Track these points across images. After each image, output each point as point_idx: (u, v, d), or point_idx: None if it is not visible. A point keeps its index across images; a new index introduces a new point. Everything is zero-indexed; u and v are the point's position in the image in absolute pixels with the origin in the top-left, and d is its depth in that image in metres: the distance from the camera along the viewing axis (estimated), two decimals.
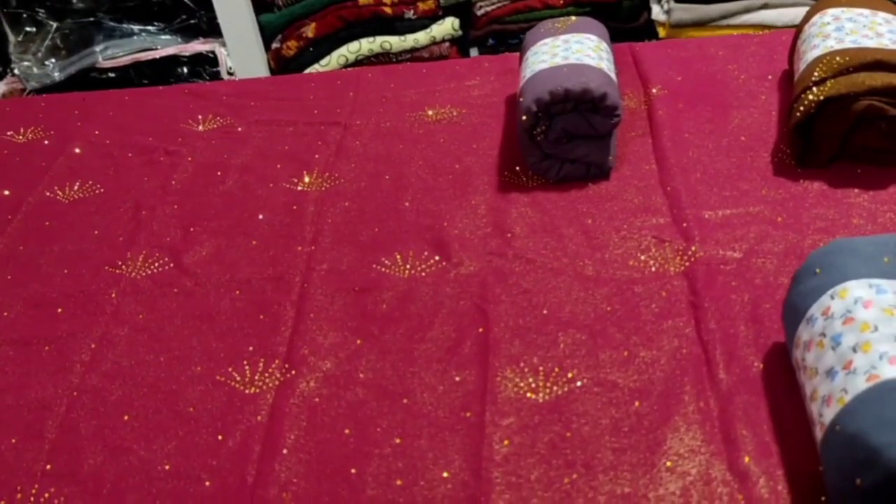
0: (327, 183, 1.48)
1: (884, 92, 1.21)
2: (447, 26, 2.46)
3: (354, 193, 1.44)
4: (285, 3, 2.54)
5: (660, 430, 0.96)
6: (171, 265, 1.33)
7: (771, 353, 1.02)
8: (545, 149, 1.35)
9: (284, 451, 1.00)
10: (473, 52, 2.58)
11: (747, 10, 2.37)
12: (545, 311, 1.14)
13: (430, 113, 1.64)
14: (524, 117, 1.31)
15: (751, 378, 1.00)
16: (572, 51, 1.41)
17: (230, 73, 2.57)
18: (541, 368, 1.06)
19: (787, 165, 1.33)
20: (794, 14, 2.27)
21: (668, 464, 0.92)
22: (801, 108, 1.27)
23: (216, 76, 2.57)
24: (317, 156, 1.56)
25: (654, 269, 1.18)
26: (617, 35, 2.51)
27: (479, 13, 2.51)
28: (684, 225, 1.24)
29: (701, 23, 2.57)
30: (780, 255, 1.17)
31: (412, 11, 2.50)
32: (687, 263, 1.18)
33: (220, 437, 1.03)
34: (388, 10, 2.43)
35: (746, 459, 0.91)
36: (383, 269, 1.26)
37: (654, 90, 1.59)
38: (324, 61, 2.48)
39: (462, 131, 1.57)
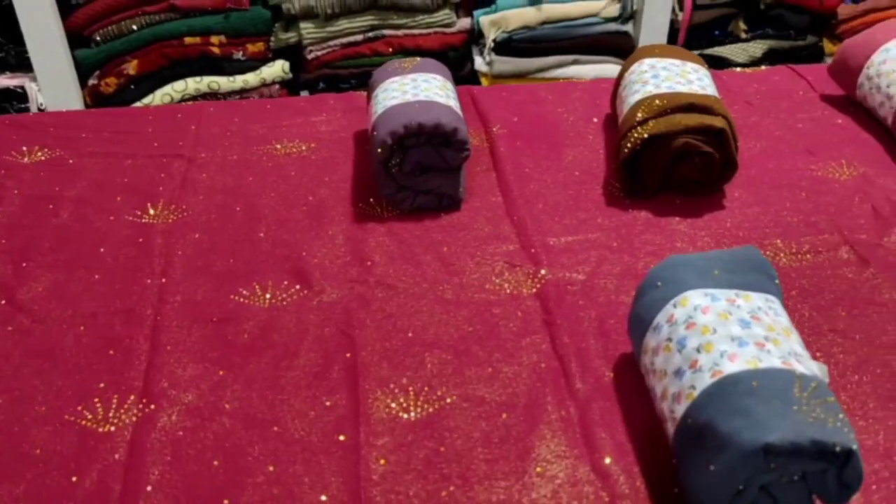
0: (174, 215, 1.43)
1: (698, 130, 1.38)
2: (277, 69, 2.46)
3: (205, 225, 1.41)
4: (104, 38, 2.43)
5: (527, 438, 1.01)
6: (3, 302, 1.23)
7: (619, 363, 1.11)
8: (399, 180, 1.40)
9: (149, 489, 0.95)
10: (304, 95, 2.60)
11: (560, 65, 2.58)
12: (410, 334, 1.17)
13: (278, 147, 1.64)
14: (379, 150, 1.36)
15: (604, 386, 1.08)
16: (421, 88, 1.47)
17: (41, 109, 2.41)
18: (410, 388, 1.08)
19: (618, 197, 1.47)
20: (601, 69, 2.50)
21: (538, 469, 0.97)
22: (628, 146, 1.41)
23: (24, 112, 2.40)
24: (161, 188, 1.50)
25: (508, 291, 1.25)
26: None
27: (309, 57, 2.54)
28: (532, 251, 1.33)
29: (520, 74, 2.74)
30: (619, 275, 1.28)
31: (241, 52, 2.47)
32: (538, 285, 1.26)
33: (74, 479, 0.96)
34: (215, 49, 2.40)
35: (607, 460, 0.98)
36: (242, 300, 1.24)
37: (494, 129, 1.69)
38: (146, 99, 2.39)
39: (313, 165, 1.59)
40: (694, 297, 0.96)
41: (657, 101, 1.42)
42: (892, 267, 1.27)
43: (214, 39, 2.44)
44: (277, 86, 2.53)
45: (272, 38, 2.42)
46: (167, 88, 2.36)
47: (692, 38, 2.92)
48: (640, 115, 1.42)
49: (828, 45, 2.63)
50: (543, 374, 1.10)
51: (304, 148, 1.63)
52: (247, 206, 1.45)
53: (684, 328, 0.93)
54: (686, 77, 1.50)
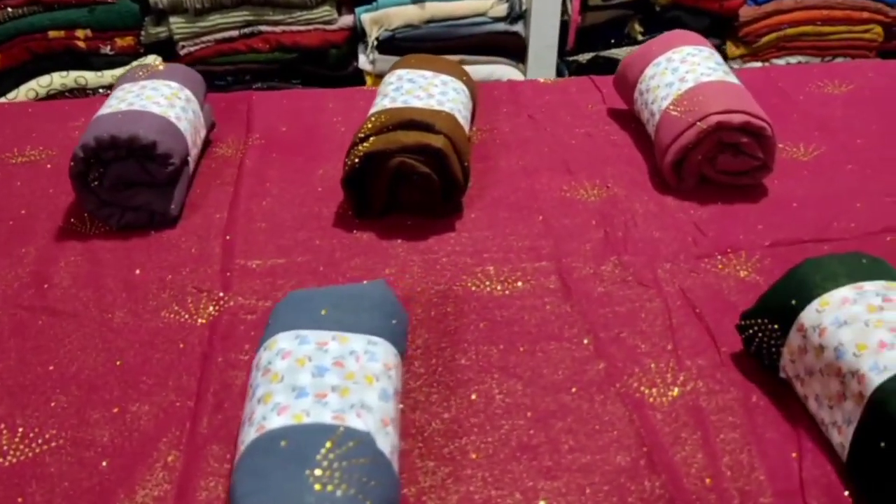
0: None
1: (415, 149, 1.31)
2: (148, 64, 2.38)
3: None
4: None
5: (122, 486, 0.94)
6: None
7: None
8: (101, 196, 1.32)
9: None
10: None
11: None
12: (51, 368, 1.09)
13: (16, 154, 1.55)
14: (72, 163, 1.28)
15: (230, 428, 1.00)
16: (144, 97, 1.40)
17: None
18: (20, 429, 1.01)
19: (349, 217, 1.39)
20: (490, 70, 2.43)
21: None
22: (349, 164, 1.34)
23: None
24: None
25: (181, 320, 1.17)
26: (327, 82, 2.56)
27: (182, 53, 2.45)
28: (228, 274, 1.25)
29: None
30: None
31: (109, 47, 2.39)
32: (215, 314, 1.18)
33: None
34: (81, 44, 2.29)
35: None
36: None
37: (252, 139, 1.61)
38: (10, 95, 2.29)
39: (44, 175, 1.49)
40: (282, 341, 0.89)
41: (382, 117, 1.35)
42: (590, 300, 1.20)
43: (80, 33, 2.34)
44: None
45: (142, 33, 2.33)
46: (32, 84, 2.26)
47: (587, 40, 2.86)
48: (363, 131, 1.34)
49: (731, 49, 2.55)
50: (173, 414, 1.02)
51: (41, 156, 1.55)
52: None
53: (262, 375, 0.86)
54: (428, 90, 1.43)
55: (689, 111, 1.41)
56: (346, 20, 2.43)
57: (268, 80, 2.43)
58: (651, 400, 1.04)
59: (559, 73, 2.70)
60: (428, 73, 1.48)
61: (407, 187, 1.34)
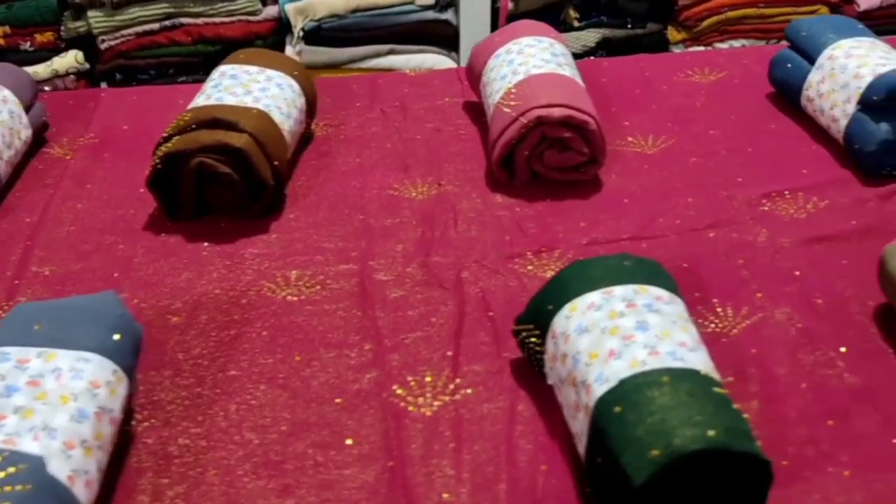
0: None
1: (215, 149, 1.26)
2: (70, 59, 2.31)
3: None
4: None
5: None
6: None
7: None
8: None
9: None
10: (104, 86, 2.48)
11: (376, 55, 2.45)
12: None
13: None
14: None
15: None
16: None
17: None
18: None
19: (163, 220, 1.33)
20: (421, 59, 2.37)
21: None
22: (152, 165, 1.30)
23: None
24: None
25: None
26: None
27: (102, 47, 2.40)
28: (17, 282, 1.21)
29: (332, 65, 2.63)
30: None
31: (28, 43, 2.34)
32: None
33: None
34: (0, 41, 2.26)
35: None
36: None
37: (85, 138, 1.57)
38: None
39: None
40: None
41: (187, 116, 1.30)
42: (384, 304, 1.15)
43: None
44: (73, 77, 2.37)
45: (62, 28, 2.28)
46: None
47: None
48: (168, 130, 1.30)
49: (672, 33, 2.48)
50: None
51: None
52: None
53: None
54: (247, 87, 1.38)
55: (515, 106, 1.36)
56: (271, 11, 2.38)
57: (193, 74, 2.35)
58: (413, 410, 1.00)
59: None
60: (253, 69, 1.43)
61: (216, 188, 1.30)
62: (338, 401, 1.02)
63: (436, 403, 1.01)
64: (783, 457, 0.93)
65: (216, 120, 1.27)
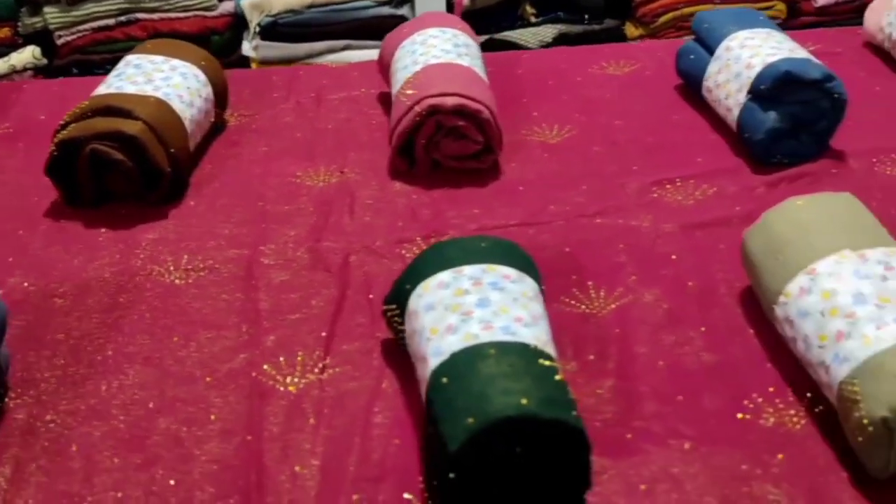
0: None
1: (108, 136, 1.28)
2: (27, 55, 2.32)
3: None
4: None
5: None
6: None
7: None
8: None
9: None
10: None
11: (331, 50, 2.47)
12: None
13: None
14: None
15: None
16: None
17: None
18: None
19: (64, 206, 1.37)
20: (376, 55, 2.41)
21: None
22: (49, 153, 1.31)
23: None
24: None
25: None
26: None
27: (59, 42, 2.42)
28: None
29: (288, 60, 2.65)
30: None
31: None
32: None
33: None
34: None
35: None
36: None
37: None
38: None
39: None
40: None
41: (85, 104, 1.33)
42: (269, 288, 1.16)
43: None
44: (30, 72, 2.38)
45: (20, 24, 2.30)
46: None
47: (482, 22, 2.83)
48: (65, 118, 1.32)
49: (630, 29, 2.50)
50: None
51: None
52: None
53: None
54: (149, 76, 1.41)
55: (411, 95, 1.39)
56: (227, 6, 2.40)
57: None
58: (281, 388, 1.03)
59: None
60: (159, 59, 1.45)
61: (114, 176, 1.32)
62: (208, 379, 1.05)
63: (303, 382, 1.04)
64: (628, 430, 0.96)
65: (111, 108, 1.29)
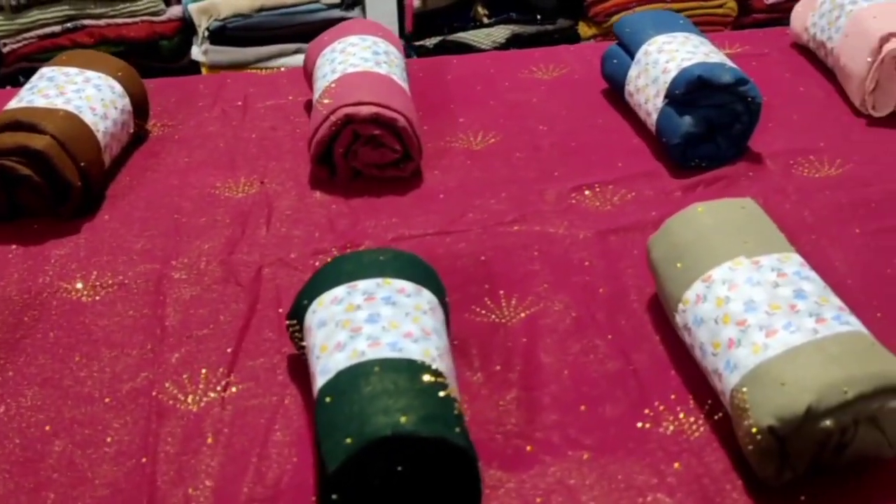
0: None
1: (14, 151, 1.26)
2: None
3: None
4: None
5: None
6: None
7: None
8: None
9: None
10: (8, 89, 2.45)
11: (282, 54, 2.46)
12: None
13: None
14: None
15: None
16: None
17: None
18: None
19: None
20: None
21: None
22: None
23: None
24: None
25: None
26: (162, 75, 2.46)
27: (4, 51, 2.39)
28: None
29: (238, 65, 2.63)
30: None
31: None
32: None
33: None
34: None
35: None
36: None
37: None
38: None
39: None
40: None
41: None
42: (178, 304, 1.15)
43: None
44: None
45: None
46: None
47: (434, 24, 2.82)
48: None
49: (583, 29, 2.52)
50: None
51: None
52: None
53: None
54: (61, 89, 1.38)
55: (328, 104, 1.37)
56: (176, 11, 2.39)
57: None
58: (182, 408, 1.01)
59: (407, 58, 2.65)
60: (73, 71, 1.43)
61: (23, 191, 1.29)
62: (107, 400, 1.03)
63: (204, 400, 1.03)
64: (528, 442, 0.96)
65: (19, 122, 1.26)
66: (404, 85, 1.45)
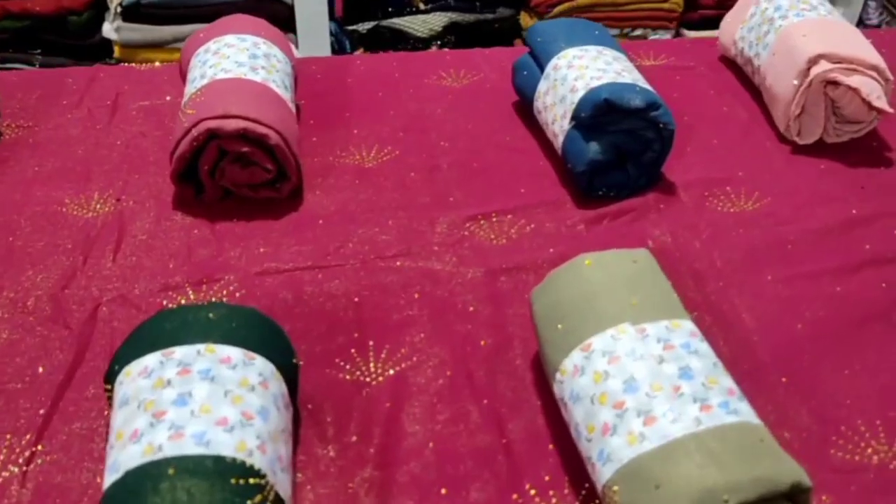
0: None
1: None
2: None
3: None
4: None
5: None
6: None
7: None
8: None
9: None
10: None
11: None
12: None
13: None
14: None
15: None
16: None
17: None
18: None
19: None
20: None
21: None
22: None
23: None
24: None
25: None
26: (72, 52, 2.33)
27: None
28: None
29: (154, 44, 2.44)
30: None
31: None
32: None
33: None
34: None
35: None
36: None
37: None
38: None
39: None
40: None
41: None
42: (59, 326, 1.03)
43: None
44: None
45: None
46: None
47: (369, 8, 2.66)
48: None
49: (525, 20, 2.42)
50: None
51: None
52: None
53: None
54: None
55: (191, 115, 1.22)
56: None
57: (2, 51, 2.26)
58: None
59: (340, 45, 2.50)
60: None
61: None
62: None
63: (2, 475, 0.88)
64: None
65: None
66: (285, 94, 1.30)
